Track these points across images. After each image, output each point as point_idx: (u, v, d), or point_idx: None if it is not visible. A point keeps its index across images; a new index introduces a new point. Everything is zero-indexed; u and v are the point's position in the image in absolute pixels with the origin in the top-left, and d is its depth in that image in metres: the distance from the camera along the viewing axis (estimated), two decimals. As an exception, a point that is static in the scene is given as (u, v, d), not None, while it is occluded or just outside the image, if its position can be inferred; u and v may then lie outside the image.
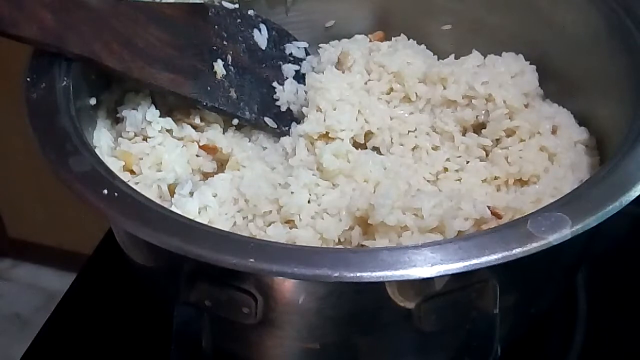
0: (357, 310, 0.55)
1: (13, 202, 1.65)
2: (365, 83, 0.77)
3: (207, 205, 0.64)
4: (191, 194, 0.66)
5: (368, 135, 0.73)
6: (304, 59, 0.82)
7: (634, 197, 0.52)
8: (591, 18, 0.72)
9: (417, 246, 0.49)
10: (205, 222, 0.60)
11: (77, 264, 0.89)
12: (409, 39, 0.82)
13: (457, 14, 0.83)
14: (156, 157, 0.68)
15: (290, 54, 0.81)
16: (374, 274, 0.47)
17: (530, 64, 0.77)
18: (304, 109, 0.74)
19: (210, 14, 0.74)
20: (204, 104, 0.70)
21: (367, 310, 0.55)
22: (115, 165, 0.65)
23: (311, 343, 0.58)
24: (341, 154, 0.69)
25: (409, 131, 0.74)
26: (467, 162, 0.72)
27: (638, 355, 0.73)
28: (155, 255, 0.59)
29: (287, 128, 0.76)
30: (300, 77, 0.79)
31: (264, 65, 0.78)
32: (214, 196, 0.65)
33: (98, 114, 0.69)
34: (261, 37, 0.78)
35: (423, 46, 0.82)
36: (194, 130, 0.71)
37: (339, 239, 0.63)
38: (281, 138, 0.74)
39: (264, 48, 0.79)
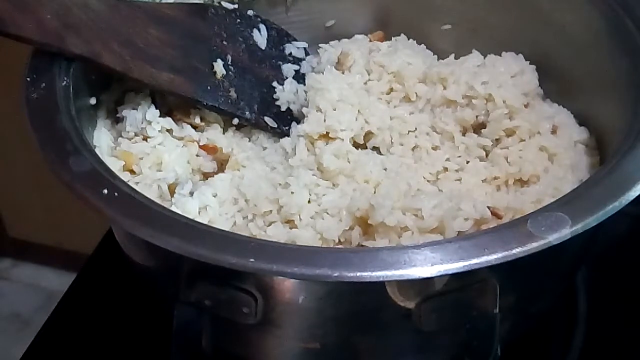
0: (357, 310, 0.55)
1: (13, 202, 1.64)
2: (365, 83, 0.77)
3: (207, 205, 0.64)
4: (191, 194, 0.66)
5: (368, 135, 0.73)
6: (304, 59, 0.82)
7: (634, 197, 0.52)
8: (591, 18, 0.72)
9: (417, 246, 0.49)
10: (205, 222, 0.60)
11: (77, 264, 0.89)
12: (409, 39, 0.82)
13: (457, 14, 0.83)
14: (156, 157, 0.68)
15: (290, 54, 0.81)
16: (374, 273, 0.47)
17: (530, 64, 0.77)
18: (304, 109, 0.74)
19: (209, 14, 0.74)
20: (204, 103, 0.70)
21: (367, 310, 0.55)
22: (115, 165, 0.65)
23: (311, 343, 0.58)
24: (341, 154, 0.69)
25: (409, 131, 0.74)
26: (467, 162, 0.71)
27: (638, 356, 0.73)
28: (155, 255, 0.59)
29: (287, 128, 0.76)
30: (300, 77, 0.79)
31: (264, 65, 0.78)
32: (214, 196, 0.65)
33: (98, 114, 0.69)
34: (261, 37, 0.79)
35: (423, 46, 0.82)
36: (194, 130, 0.71)
37: (339, 239, 0.63)
38: (281, 138, 0.74)
39: (263, 48, 0.79)
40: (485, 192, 0.68)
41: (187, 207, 0.63)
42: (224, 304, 0.54)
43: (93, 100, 0.68)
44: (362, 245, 0.62)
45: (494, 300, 0.52)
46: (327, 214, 0.64)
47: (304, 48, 0.83)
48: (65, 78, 0.63)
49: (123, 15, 0.66)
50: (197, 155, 0.71)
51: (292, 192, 0.64)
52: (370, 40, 0.83)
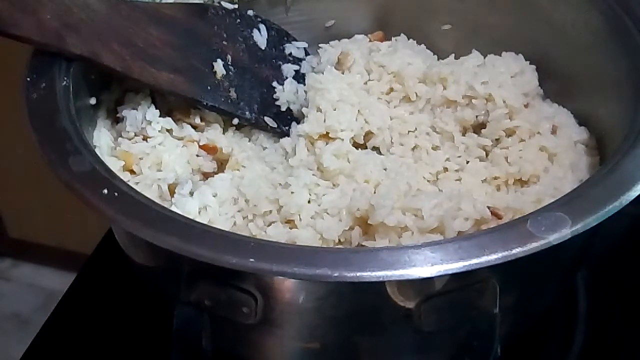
0: (357, 310, 0.55)
1: (13, 202, 1.64)
2: (365, 83, 0.77)
3: (207, 205, 0.64)
4: (191, 194, 0.66)
5: (368, 135, 0.73)
6: (304, 59, 0.82)
7: (634, 197, 0.52)
8: (591, 18, 0.72)
9: (417, 246, 0.49)
10: (205, 222, 0.60)
11: (77, 264, 0.89)
12: (409, 39, 0.82)
13: (457, 14, 0.83)
14: (156, 157, 0.68)
15: (290, 54, 0.81)
16: (374, 273, 0.47)
17: (530, 64, 0.77)
18: (304, 109, 0.74)
19: (209, 14, 0.74)
20: (204, 103, 0.70)
21: (367, 310, 0.55)
22: (115, 165, 0.65)
23: (311, 343, 0.58)
24: (341, 154, 0.69)
25: (409, 131, 0.74)
26: (467, 162, 0.72)
27: (638, 355, 0.73)
28: (156, 255, 0.59)
29: (287, 128, 0.76)
30: (300, 77, 0.79)
31: (264, 65, 0.78)
32: (214, 196, 0.65)
33: (98, 114, 0.69)
34: (260, 37, 0.79)
35: (423, 46, 0.82)
36: (194, 130, 0.71)
37: (339, 239, 0.63)
38: (281, 138, 0.74)
39: (263, 48, 0.79)
40: (485, 192, 0.68)
41: (187, 207, 0.63)
42: (224, 304, 0.54)
43: (93, 100, 0.68)
44: (362, 245, 0.62)
45: (494, 300, 0.52)
46: (327, 214, 0.64)
47: (304, 48, 0.83)
48: (65, 78, 0.63)
49: (123, 15, 0.66)
50: (197, 155, 0.71)
51: (292, 192, 0.64)
52: (370, 40, 0.83)
